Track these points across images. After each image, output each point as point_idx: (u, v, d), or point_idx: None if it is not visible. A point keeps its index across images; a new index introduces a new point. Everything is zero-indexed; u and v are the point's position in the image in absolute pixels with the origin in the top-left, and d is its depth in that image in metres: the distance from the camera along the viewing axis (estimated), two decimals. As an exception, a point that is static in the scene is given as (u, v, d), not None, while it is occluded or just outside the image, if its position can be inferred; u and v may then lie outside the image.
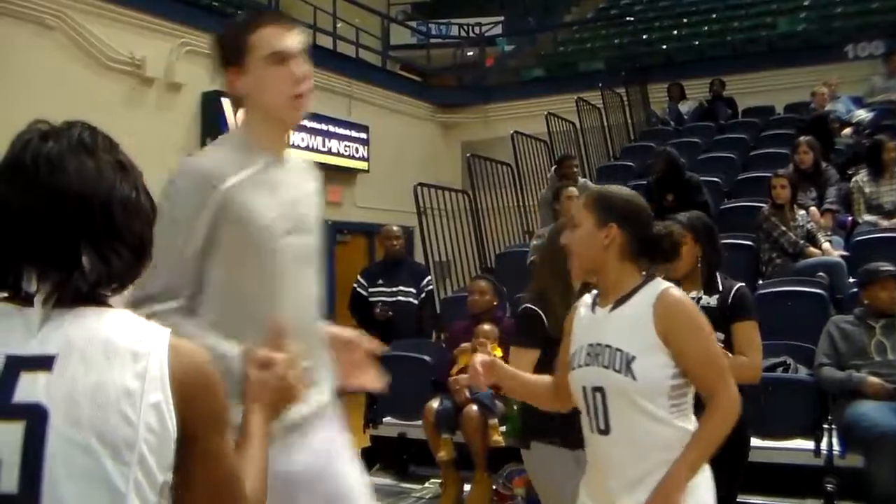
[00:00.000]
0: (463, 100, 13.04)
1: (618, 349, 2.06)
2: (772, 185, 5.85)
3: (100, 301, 1.12)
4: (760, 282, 5.74)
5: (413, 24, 15.96)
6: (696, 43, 12.68)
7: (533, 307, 3.12)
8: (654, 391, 2.04)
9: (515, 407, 4.06)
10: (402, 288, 6.42)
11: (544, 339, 2.97)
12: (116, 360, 1.05)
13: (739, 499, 3.37)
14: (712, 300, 3.20)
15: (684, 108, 10.85)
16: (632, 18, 13.56)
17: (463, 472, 5.03)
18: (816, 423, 4.44)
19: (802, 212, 5.94)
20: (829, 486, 4.27)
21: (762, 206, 5.97)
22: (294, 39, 1.88)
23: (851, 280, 5.34)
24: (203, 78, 9.51)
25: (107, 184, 1.11)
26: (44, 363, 1.04)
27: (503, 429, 4.77)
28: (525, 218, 8.99)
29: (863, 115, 8.41)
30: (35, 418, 1.01)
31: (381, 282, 6.46)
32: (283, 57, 1.85)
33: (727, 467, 2.37)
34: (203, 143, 9.44)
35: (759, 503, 4.46)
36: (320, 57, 11.20)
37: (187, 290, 1.76)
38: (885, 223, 6.20)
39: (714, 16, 13.29)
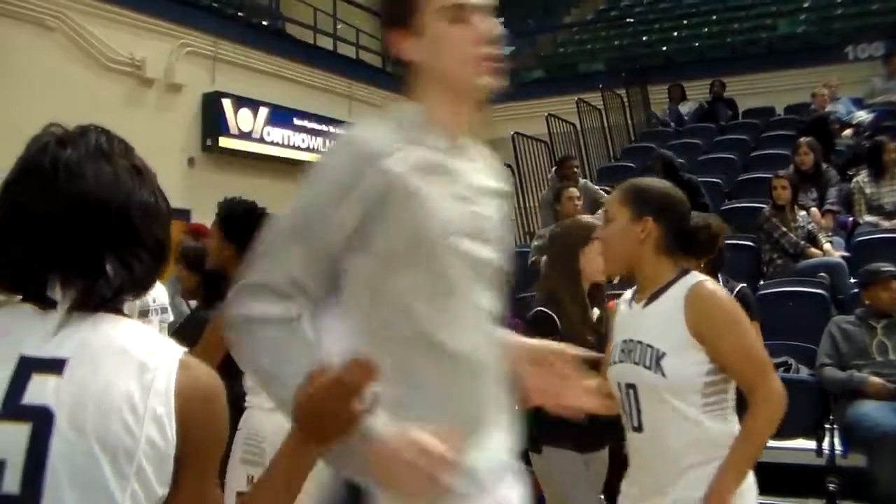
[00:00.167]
0: (463, 101, 13.03)
1: (648, 345, 2.01)
2: (772, 185, 5.85)
3: (117, 309, 1.11)
4: (762, 282, 5.74)
5: (413, 25, 15.96)
6: (697, 44, 12.70)
7: (545, 310, 3.10)
8: (686, 388, 1.97)
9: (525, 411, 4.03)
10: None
11: (558, 341, 2.96)
12: (125, 368, 1.04)
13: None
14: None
15: (685, 109, 10.85)
16: (632, 20, 13.57)
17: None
18: (818, 423, 4.45)
19: (803, 212, 5.94)
20: (832, 486, 4.26)
21: (763, 207, 5.97)
22: None
23: (852, 280, 5.35)
24: (203, 78, 9.55)
25: (125, 189, 1.10)
26: (55, 366, 1.03)
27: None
28: (526, 219, 8.99)
29: (863, 116, 8.43)
30: (41, 421, 1.00)
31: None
32: (465, 12, 1.48)
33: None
34: (203, 144, 9.43)
35: (760, 503, 4.45)
36: (320, 58, 11.26)
37: (315, 288, 1.41)
38: (885, 224, 6.20)
39: (714, 17, 13.30)
